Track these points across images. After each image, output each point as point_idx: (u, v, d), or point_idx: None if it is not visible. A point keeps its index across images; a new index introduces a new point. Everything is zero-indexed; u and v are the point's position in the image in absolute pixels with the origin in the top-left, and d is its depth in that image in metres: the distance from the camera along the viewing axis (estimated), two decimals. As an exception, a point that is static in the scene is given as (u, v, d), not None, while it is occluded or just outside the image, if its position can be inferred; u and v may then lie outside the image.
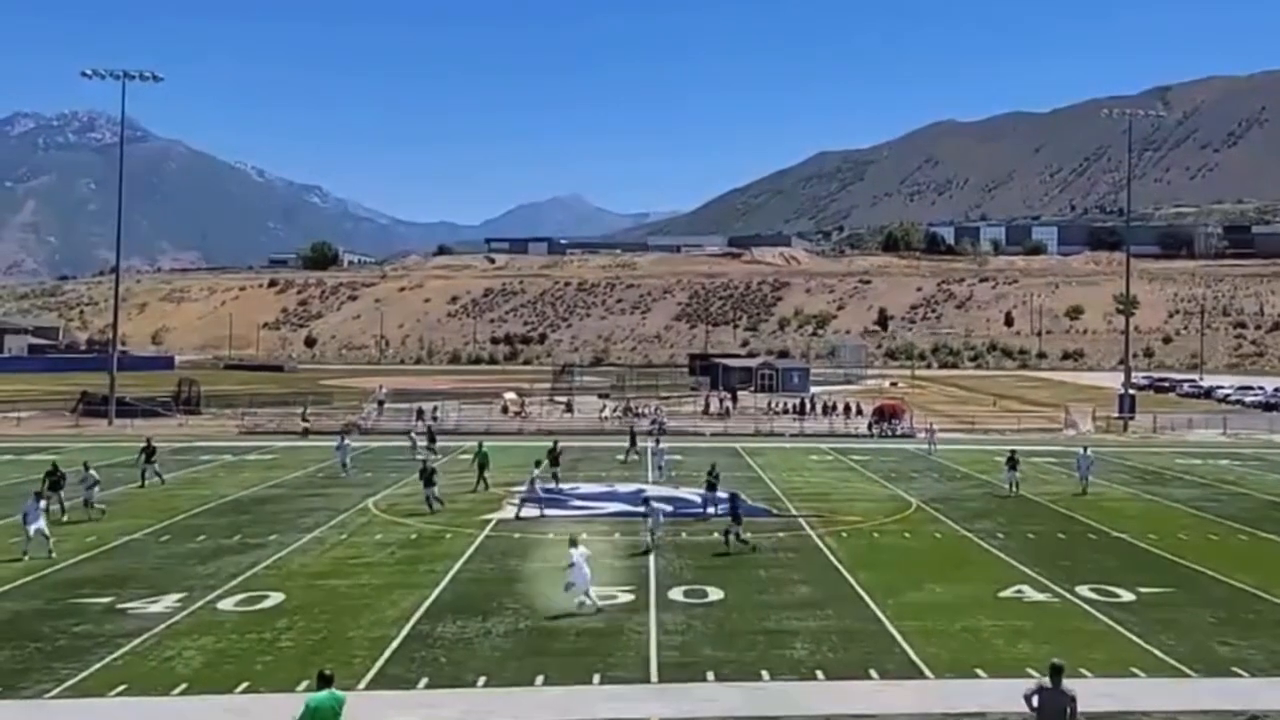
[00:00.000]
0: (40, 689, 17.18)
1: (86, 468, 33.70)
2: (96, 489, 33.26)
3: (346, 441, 36.85)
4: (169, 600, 22.62)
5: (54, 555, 26.69)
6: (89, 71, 69.11)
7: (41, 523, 27.16)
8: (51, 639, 19.90)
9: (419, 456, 45.69)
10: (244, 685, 17.35)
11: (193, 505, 35.15)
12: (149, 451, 40.46)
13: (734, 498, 30.09)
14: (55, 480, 32.67)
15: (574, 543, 22.55)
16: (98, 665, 18.36)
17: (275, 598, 22.93)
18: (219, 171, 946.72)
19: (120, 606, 22.17)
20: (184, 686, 17.36)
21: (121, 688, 17.27)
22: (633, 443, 50.58)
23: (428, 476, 35.03)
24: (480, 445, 41.85)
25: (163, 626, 20.67)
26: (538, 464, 38.50)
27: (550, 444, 43.50)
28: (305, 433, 59.17)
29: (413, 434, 53.44)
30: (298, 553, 27.77)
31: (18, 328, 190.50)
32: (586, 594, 21.98)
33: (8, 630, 20.41)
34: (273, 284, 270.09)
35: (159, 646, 19.45)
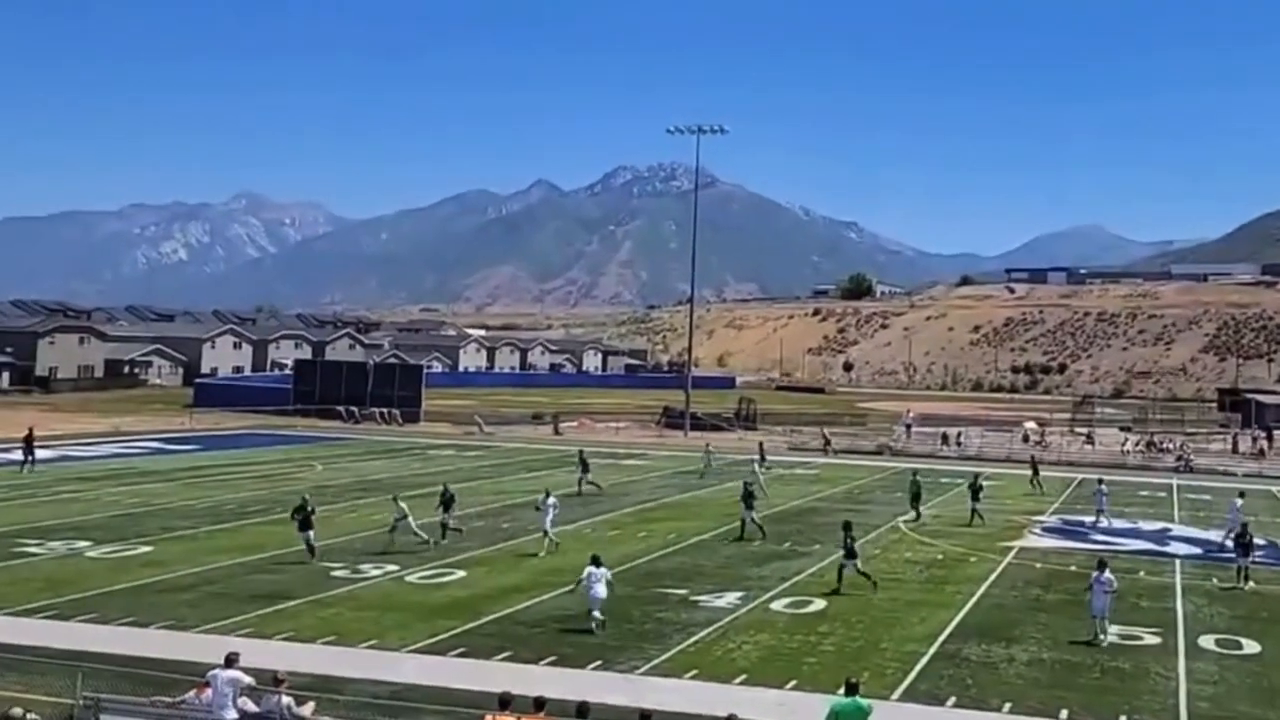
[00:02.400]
0: (632, 664, 18.32)
1: (547, 495, 29.65)
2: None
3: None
4: (731, 597, 23.54)
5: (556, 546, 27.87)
6: (672, 128, 73.67)
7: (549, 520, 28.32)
8: (641, 622, 21.28)
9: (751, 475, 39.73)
10: (792, 682, 17.63)
11: (750, 513, 36.69)
12: (583, 465, 41.03)
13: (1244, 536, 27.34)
14: (448, 499, 29.79)
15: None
16: (676, 649, 19.34)
17: (818, 604, 23.30)
18: (772, 211, 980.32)
19: (693, 598, 23.29)
20: (743, 677, 17.86)
21: (693, 671, 18.03)
22: (1035, 472, 45.93)
23: (748, 498, 32.29)
24: (914, 473, 39.43)
25: (726, 620, 21.51)
26: None
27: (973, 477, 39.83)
28: (827, 448, 60.04)
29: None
30: (837, 564, 28.21)
31: (617, 350, 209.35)
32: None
33: (609, 611, 21.89)
34: (816, 313, 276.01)
35: (723, 638, 20.24)
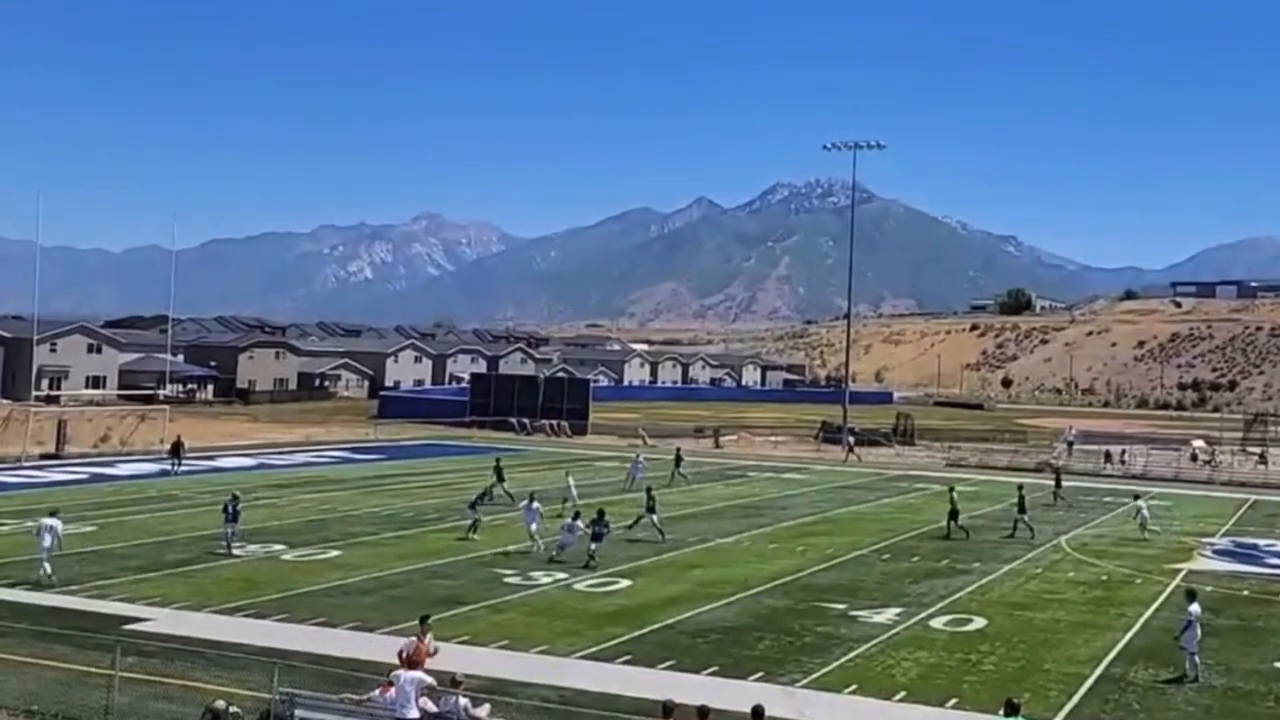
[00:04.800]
0: (793, 677, 18.14)
1: (531, 499, 30.37)
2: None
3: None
4: (890, 613, 23.12)
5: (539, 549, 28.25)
6: (828, 145, 72.72)
7: (535, 525, 28.89)
8: (800, 635, 21.07)
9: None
10: (953, 701, 17.21)
11: (908, 528, 35.90)
12: (499, 472, 40.22)
13: None
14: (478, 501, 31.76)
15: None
16: (835, 664, 19.08)
17: (978, 622, 22.65)
18: (928, 226, 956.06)
19: (852, 613, 22.93)
20: (902, 694, 17.53)
21: (853, 687, 17.76)
22: (1058, 484, 44.07)
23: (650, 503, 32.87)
24: (951, 489, 37.84)
25: (885, 636, 21.13)
26: None
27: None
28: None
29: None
30: (997, 582, 27.35)
31: (776, 365, 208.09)
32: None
33: (769, 623, 21.97)
34: (974, 328, 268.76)
35: (882, 654, 19.89)
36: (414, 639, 15.75)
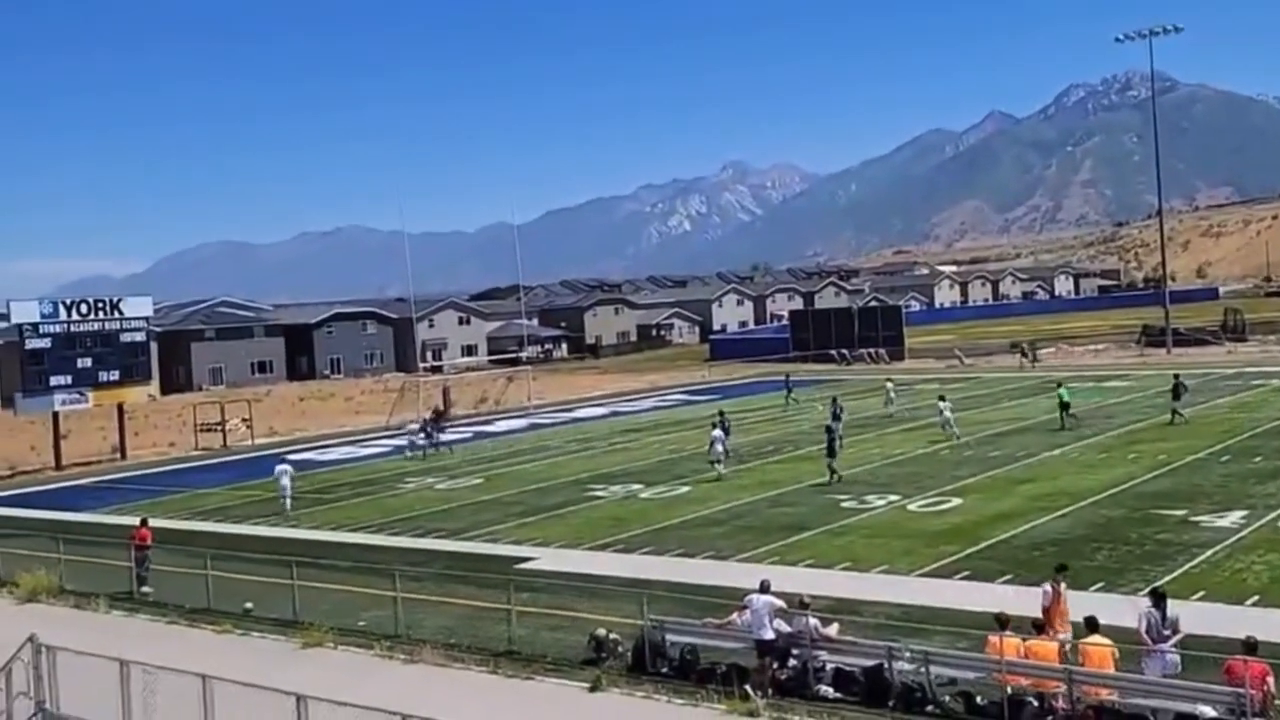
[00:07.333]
0: (1134, 586, 17.04)
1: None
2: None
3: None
4: (1234, 516, 21.29)
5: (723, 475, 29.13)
6: (1120, 36, 66.53)
7: (719, 447, 29.84)
8: (1139, 544, 19.84)
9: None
10: (1318, 607, 15.57)
11: (1247, 428, 32.69)
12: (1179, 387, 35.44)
13: None
14: (723, 423, 32.39)
15: None
16: (1179, 571, 17.85)
17: (1334, 520, 20.45)
18: (1242, 106, 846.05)
19: (1192, 519, 21.37)
20: (1255, 598, 16.19)
21: (1200, 593, 16.52)
22: (1176, 395, 34.70)
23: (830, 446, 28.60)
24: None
25: (1231, 540, 19.52)
26: None
27: None
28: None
29: None
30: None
31: (1087, 271, 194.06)
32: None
33: (1104, 533, 20.82)
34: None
35: (1229, 559, 18.42)
36: (1047, 587, 13.87)
